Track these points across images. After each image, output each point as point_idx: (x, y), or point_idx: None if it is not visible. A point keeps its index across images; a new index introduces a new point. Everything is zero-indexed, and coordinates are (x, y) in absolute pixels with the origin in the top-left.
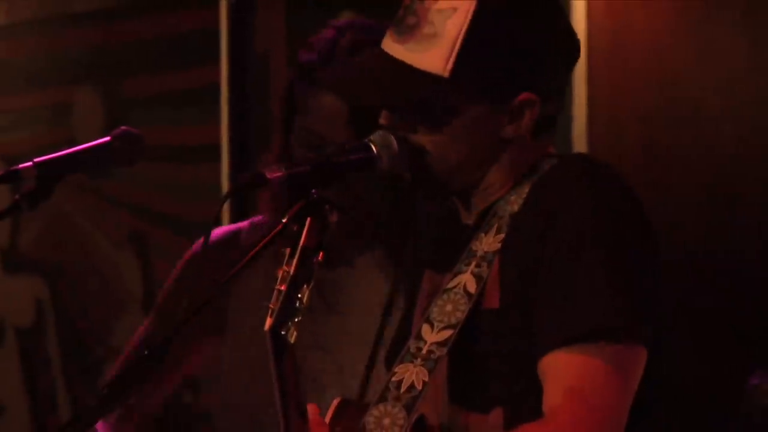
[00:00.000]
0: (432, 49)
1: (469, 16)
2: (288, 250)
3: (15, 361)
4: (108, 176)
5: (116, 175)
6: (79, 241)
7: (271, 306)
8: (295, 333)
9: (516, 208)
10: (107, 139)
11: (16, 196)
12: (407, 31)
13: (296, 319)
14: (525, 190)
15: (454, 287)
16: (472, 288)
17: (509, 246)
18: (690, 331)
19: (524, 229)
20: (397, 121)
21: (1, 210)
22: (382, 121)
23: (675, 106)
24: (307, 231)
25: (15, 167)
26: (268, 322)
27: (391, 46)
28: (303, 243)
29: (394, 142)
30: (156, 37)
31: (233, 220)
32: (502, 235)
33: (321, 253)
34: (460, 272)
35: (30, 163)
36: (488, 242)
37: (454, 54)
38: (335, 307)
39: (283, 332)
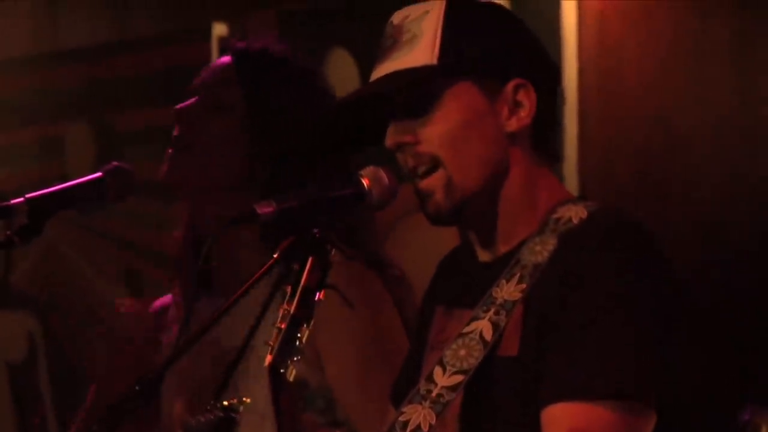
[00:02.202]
0: (415, 47)
1: (443, 9)
2: (289, 289)
3: (7, 396)
4: (100, 211)
5: (108, 210)
6: (72, 276)
7: (270, 343)
8: (294, 371)
9: (540, 259)
10: (99, 174)
11: (8, 232)
12: (388, 50)
13: (296, 358)
14: (550, 241)
15: (470, 332)
16: (488, 335)
17: (534, 297)
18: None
19: (550, 283)
20: (400, 134)
21: None
22: (387, 142)
23: (666, 141)
24: (309, 270)
25: (7, 203)
26: (268, 359)
27: (376, 71)
28: (304, 282)
29: (385, 177)
30: (147, 73)
31: None
32: (524, 285)
33: (322, 293)
34: (477, 318)
35: (22, 199)
36: (509, 290)
37: (437, 42)
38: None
39: (282, 370)
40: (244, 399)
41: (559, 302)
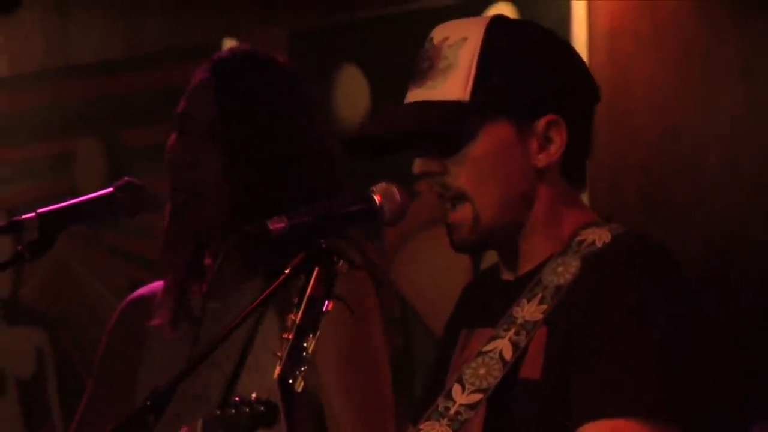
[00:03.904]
0: (449, 78)
1: (481, 40)
2: (296, 299)
3: (16, 411)
4: (110, 226)
5: (118, 225)
6: (80, 291)
7: (279, 354)
8: (302, 382)
9: (563, 281)
10: (110, 190)
11: (19, 247)
12: (423, 74)
13: (302, 368)
14: (573, 263)
15: (490, 351)
16: (507, 355)
17: (558, 320)
18: None
19: (574, 307)
20: (428, 164)
21: (4, 260)
22: (414, 169)
23: (674, 157)
24: (315, 280)
25: (18, 218)
26: (277, 370)
27: (410, 95)
28: (309, 293)
29: (397, 193)
30: (158, 88)
31: None
32: (546, 306)
33: (330, 303)
34: (497, 337)
35: (33, 214)
36: (530, 311)
37: (471, 77)
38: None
39: (290, 381)
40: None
41: (583, 326)
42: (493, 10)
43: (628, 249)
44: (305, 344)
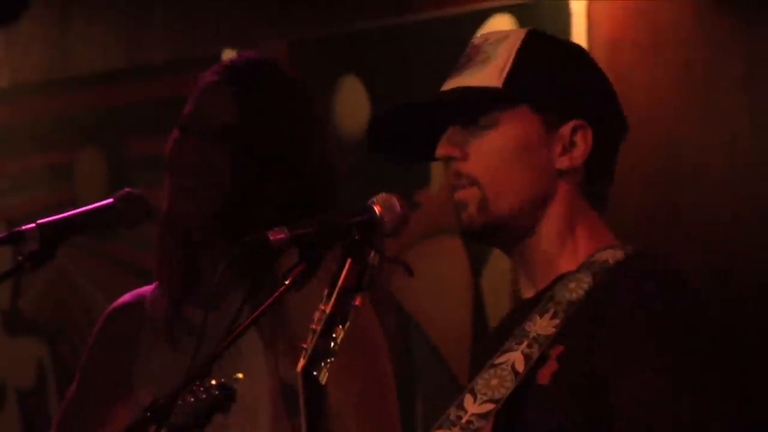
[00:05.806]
0: (486, 68)
1: (521, 39)
2: (326, 290)
3: (16, 422)
4: (110, 237)
5: (118, 235)
6: (81, 301)
7: (304, 346)
8: (326, 374)
9: (575, 296)
10: (110, 200)
11: (20, 258)
12: (461, 66)
13: (329, 360)
14: (585, 280)
15: (502, 363)
16: (520, 367)
17: (571, 333)
18: None
19: (587, 322)
20: (451, 146)
21: (4, 271)
22: (437, 152)
23: (675, 168)
24: (347, 272)
25: (18, 228)
26: (301, 362)
27: (445, 85)
28: (342, 283)
29: (397, 204)
30: (159, 99)
31: None
32: (558, 321)
33: (359, 296)
34: (510, 350)
35: (33, 225)
36: (542, 325)
37: (507, 67)
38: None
39: (315, 373)
40: (237, 375)
41: (598, 345)
42: (493, 21)
43: (640, 271)
44: (334, 335)
